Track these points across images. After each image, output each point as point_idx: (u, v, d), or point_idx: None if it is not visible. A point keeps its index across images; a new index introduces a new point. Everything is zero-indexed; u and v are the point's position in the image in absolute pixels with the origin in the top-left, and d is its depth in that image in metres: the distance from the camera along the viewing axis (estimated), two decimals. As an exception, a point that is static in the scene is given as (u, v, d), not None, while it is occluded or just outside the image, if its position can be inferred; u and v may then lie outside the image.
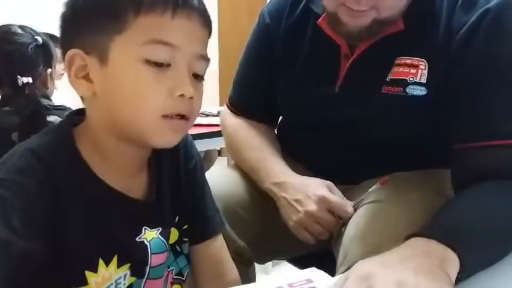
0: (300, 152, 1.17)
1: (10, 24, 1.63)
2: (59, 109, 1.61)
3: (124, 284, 0.72)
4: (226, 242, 0.90)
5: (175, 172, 0.82)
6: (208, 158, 3.07)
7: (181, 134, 0.72)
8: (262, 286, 0.82)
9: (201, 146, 2.01)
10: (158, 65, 0.66)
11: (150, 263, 0.75)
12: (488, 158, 0.87)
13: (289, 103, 1.14)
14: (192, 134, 0.84)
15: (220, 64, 4.82)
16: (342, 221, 0.99)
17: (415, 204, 0.91)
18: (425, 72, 0.95)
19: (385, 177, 0.98)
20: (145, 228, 0.75)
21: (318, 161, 1.11)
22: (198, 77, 0.71)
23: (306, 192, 1.01)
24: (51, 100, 1.71)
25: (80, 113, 0.75)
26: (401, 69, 0.97)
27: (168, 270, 0.80)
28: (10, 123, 1.50)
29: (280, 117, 1.25)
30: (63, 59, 0.70)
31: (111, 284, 0.70)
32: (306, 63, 1.09)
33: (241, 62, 1.23)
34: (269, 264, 2.37)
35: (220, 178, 1.14)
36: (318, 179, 1.04)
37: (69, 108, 1.61)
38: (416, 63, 0.95)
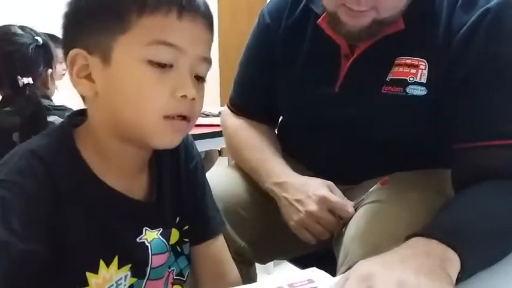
0: (301, 152, 1.17)
1: (10, 25, 1.63)
2: (60, 109, 1.61)
3: (125, 285, 0.72)
4: (227, 242, 0.90)
5: (176, 172, 0.82)
6: (208, 158, 3.07)
7: (182, 134, 0.72)
8: (263, 286, 0.81)
9: (201, 146, 2.01)
10: (161, 65, 0.66)
11: (151, 264, 0.75)
12: (489, 158, 0.87)
13: (289, 103, 1.14)
14: (192, 134, 0.84)
15: (220, 64, 4.82)
16: (343, 221, 0.99)
17: (416, 204, 0.91)
18: (426, 72, 0.95)
19: (386, 177, 0.98)
20: (146, 229, 0.75)
21: (318, 161, 1.11)
22: (200, 79, 0.72)
23: (306, 192, 1.01)
24: (51, 100, 1.71)
25: (81, 114, 0.75)
26: (401, 69, 0.97)
27: (169, 270, 0.80)
28: (11, 124, 1.50)
29: (281, 117, 1.25)
30: (65, 59, 0.70)
31: (112, 285, 0.70)
32: (306, 63, 1.09)
33: (241, 62, 1.23)
34: (270, 264, 2.36)
35: (220, 178, 1.14)
36: (319, 179, 1.04)
37: (70, 109, 1.62)
38: (417, 63, 0.95)
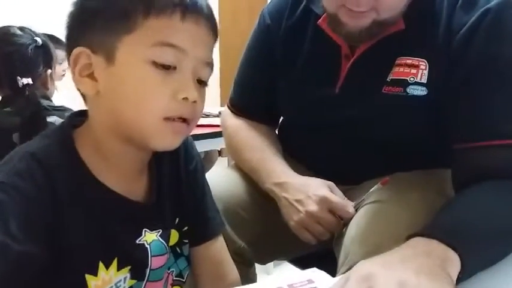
0: (301, 152, 1.17)
1: (9, 26, 1.63)
2: (59, 110, 1.61)
3: (124, 287, 0.72)
4: (226, 242, 0.90)
5: (176, 173, 0.82)
6: (208, 159, 3.07)
7: (182, 137, 0.72)
8: (263, 287, 0.82)
9: (201, 146, 2.01)
10: (165, 67, 0.67)
11: (150, 266, 0.75)
12: (489, 158, 0.87)
13: (290, 104, 1.14)
14: (192, 135, 0.84)
15: (221, 64, 4.82)
16: (343, 221, 0.99)
17: (416, 204, 0.91)
18: (426, 72, 0.95)
19: (386, 177, 0.98)
20: (145, 231, 0.75)
21: (319, 161, 1.11)
22: (202, 83, 0.72)
23: (307, 193, 1.01)
24: (51, 101, 1.71)
25: (81, 115, 0.75)
26: (401, 69, 0.97)
27: (168, 272, 0.80)
28: (11, 124, 1.50)
29: (281, 118, 1.25)
30: (68, 58, 0.70)
31: (111, 287, 0.70)
32: (306, 64, 1.09)
33: (241, 62, 1.23)
34: (270, 264, 2.36)
35: (220, 179, 1.14)
36: (319, 179, 1.04)
37: (70, 109, 1.62)
38: (417, 63, 0.95)
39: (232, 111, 1.26)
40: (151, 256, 0.75)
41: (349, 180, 1.09)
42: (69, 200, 0.66)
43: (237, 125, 1.22)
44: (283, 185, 1.05)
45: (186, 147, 0.84)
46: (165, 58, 0.66)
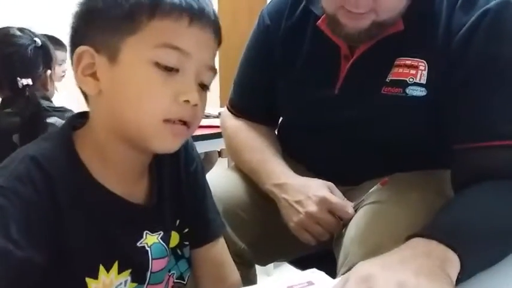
0: (300, 153, 1.17)
1: (9, 27, 1.63)
2: (59, 111, 1.61)
3: None
4: (226, 243, 0.90)
5: (176, 175, 0.82)
6: (208, 159, 3.07)
7: (182, 140, 0.72)
8: (263, 288, 0.82)
9: (201, 147, 2.00)
10: (167, 69, 0.67)
11: (151, 269, 0.75)
12: (488, 159, 0.87)
13: (289, 104, 1.14)
14: (192, 136, 0.84)
15: (220, 65, 4.82)
16: (343, 222, 0.99)
17: (415, 205, 0.91)
18: (425, 73, 0.95)
19: (386, 178, 0.98)
20: (146, 233, 0.75)
21: (318, 162, 1.11)
22: (204, 87, 0.72)
23: (306, 193, 1.01)
24: (51, 102, 1.71)
25: (82, 117, 0.75)
26: (401, 70, 0.97)
27: (169, 274, 0.80)
28: (11, 125, 1.50)
29: (281, 118, 1.25)
30: (71, 57, 0.70)
31: None
32: (305, 65, 1.09)
33: (241, 63, 1.23)
34: (270, 265, 2.36)
35: (220, 180, 1.14)
36: (319, 180, 1.04)
37: (70, 110, 1.62)
38: (416, 64, 0.95)
39: (231, 112, 1.26)
40: (151, 259, 0.75)
41: (349, 180, 1.09)
42: (70, 203, 0.66)
43: (236, 126, 1.22)
44: (282, 186, 1.05)
45: (187, 149, 0.84)
46: (169, 60, 0.67)
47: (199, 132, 2.07)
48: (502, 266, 0.76)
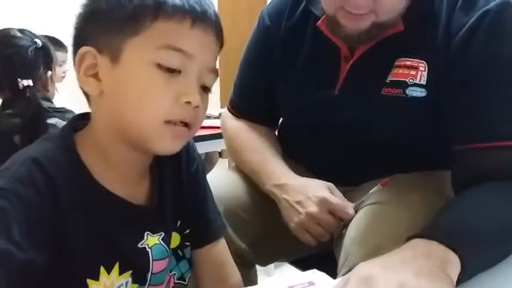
0: (301, 154, 1.17)
1: (9, 28, 1.64)
2: (60, 111, 1.61)
3: None
4: (227, 244, 0.90)
5: (177, 175, 0.82)
6: (209, 160, 3.07)
7: (183, 141, 0.72)
8: (263, 288, 0.82)
9: (202, 147, 2.00)
10: (169, 70, 0.67)
11: (152, 270, 0.75)
12: (488, 159, 0.87)
13: (289, 105, 1.14)
14: (193, 136, 0.85)
15: (220, 65, 4.81)
16: (343, 223, 0.99)
17: (416, 206, 0.91)
18: (425, 73, 0.95)
19: (386, 178, 0.98)
20: (147, 234, 0.75)
21: (318, 162, 1.11)
22: (205, 89, 0.73)
23: (306, 194, 1.01)
24: (52, 103, 1.71)
25: (83, 118, 0.76)
26: (401, 70, 0.97)
27: (170, 275, 0.80)
28: (12, 126, 1.50)
29: (281, 119, 1.25)
30: (74, 57, 0.70)
31: None
32: (305, 65, 1.09)
33: (241, 64, 1.24)
34: (271, 266, 2.36)
35: (221, 180, 1.14)
36: (319, 181, 1.04)
37: (70, 111, 1.62)
38: (416, 64, 0.95)
39: (232, 113, 1.26)
40: (152, 260, 0.75)
41: (349, 181, 1.09)
42: (71, 204, 0.66)
43: (237, 126, 1.22)
44: (283, 187, 1.05)
45: (188, 149, 0.84)
46: (171, 61, 0.67)
47: (199, 132, 2.04)
48: (502, 266, 0.76)
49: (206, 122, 2.24)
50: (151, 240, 0.75)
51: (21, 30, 1.63)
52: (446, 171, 0.96)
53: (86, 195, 0.68)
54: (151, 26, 0.66)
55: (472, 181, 0.85)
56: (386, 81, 0.98)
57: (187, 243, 0.83)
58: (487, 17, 0.89)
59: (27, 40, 1.60)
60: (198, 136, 2.05)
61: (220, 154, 3.42)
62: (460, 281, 0.68)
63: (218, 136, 1.99)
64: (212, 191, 0.89)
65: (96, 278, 0.68)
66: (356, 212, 0.98)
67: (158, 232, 0.76)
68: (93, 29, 0.69)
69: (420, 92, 0.95)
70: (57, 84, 1.81)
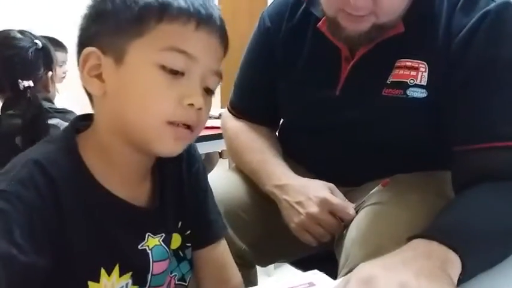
0: (301, 154, 1.17)
1: (9, 30, 1.64)
2: (61, 112, 1.61)
3: None
4: (227, 244, 0.90)
5: (178, 176, 0.82)
6: (209, 160, 3.07)
7: (185, 143, 0.72)
8: (264, 289, 0.82)
9: (202, 148, 1.99)
10: (173, 72, 0.67)
11: (152, 271, 0.75)
12: (489, 160, 0.87)
13: (290, 106, 1.15)
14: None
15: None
16: (344, 223, 0.99)
17: (416, 206, 0.91)
18: (426, 74, 0.95)
19: (386, 179, 0.98)
20: (148, 235, 0.75)
21: (319, 163, 1.11)
22: (209, 92, 0.73)
23: (307, 194, 1.01)
24: (53, 103, 1.71)
25: (85, 119, 0.76)
26: (401, 71, 0.97)
27: (171, 276, 0.80)
28: (13, 127, 1.50)
29: (282, 120, 1.25)
30: (78, 58, 0.71)
31: None
32: (306, 66, 1.09)
33: (242, 65, 1.24)
34: (271, 266, 2.36)
35: (221, 181, 1.14)
36: (320, 181, 1.04)
37: (71, 112, 1.62)
38: (417, 65, 0.95)
39: (232, 114, 1.26)
40: (152, 261, 0.75)
41: (350, 182, 1.09)
42: (72, 206, 0.66)
43: (237, 127, 1.22)
44: (283, 187, 1.05)
45: (189, 150, 0.84)
46: (175, 63, 0.67)
47: (200, 133, 2.06)
48: (502, 267, 0.76)
49: (206, 123, 2.24)
50: (152, 242, 0.75)
51: (21, 32, 1.63)
52: (446, 172, 0.96)
53: (88, 197, 0.68)
54: (156, 27, 0.67)
55: (472, 181, 0.86)
56: (387, 82, 0.98)
57: (189, 244, 0.83)
58: (487, 17, 0.89)
59: (27, 41, 1.60)
60: (198, 136, 2.05)
61: (221, 155, 3.42)
62: (460, 281, 0.68)
63: (218, 136, 1.99)
64: (212, 192, 0.89)
65: (96, 279, 0.68)
66: (357, 212, 0.98)
67: (159, 233, 0.76)
68: (98, 29, 0.70)
69: (421, 93, 0.95)
70: (57, 85, 1.81)
